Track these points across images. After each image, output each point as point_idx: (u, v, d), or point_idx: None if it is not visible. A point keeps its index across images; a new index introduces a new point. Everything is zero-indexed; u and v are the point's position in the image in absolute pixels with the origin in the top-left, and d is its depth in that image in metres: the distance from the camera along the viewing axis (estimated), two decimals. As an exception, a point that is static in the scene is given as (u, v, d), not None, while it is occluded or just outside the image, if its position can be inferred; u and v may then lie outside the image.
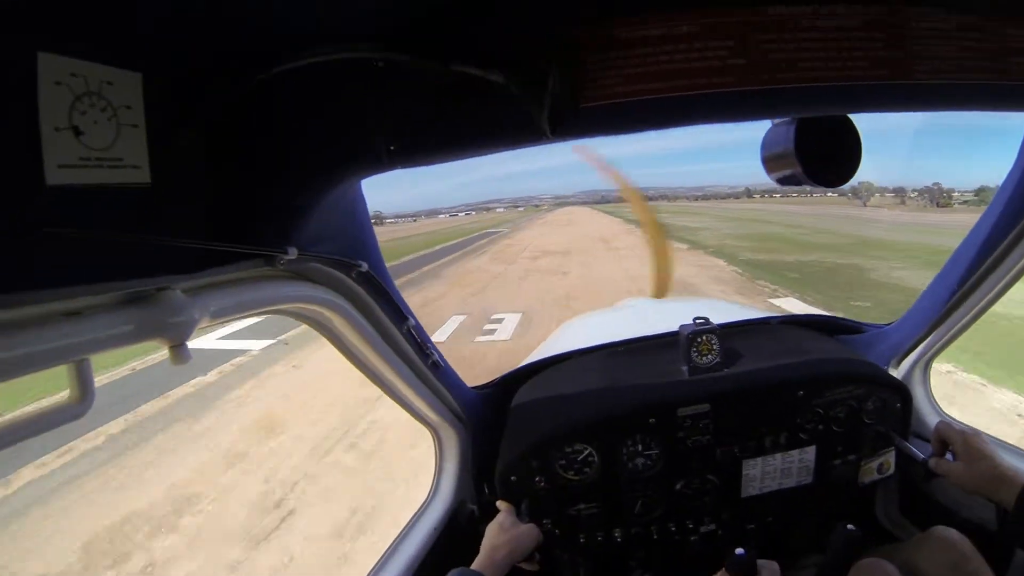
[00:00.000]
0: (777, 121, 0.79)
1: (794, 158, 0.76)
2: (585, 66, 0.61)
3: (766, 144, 0.82)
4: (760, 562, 1.02)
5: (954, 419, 1.57)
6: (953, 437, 1.18)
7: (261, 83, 0.57)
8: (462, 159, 0.70)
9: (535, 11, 0.60)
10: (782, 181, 0.83)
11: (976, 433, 1.17)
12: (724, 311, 2.58)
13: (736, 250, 18.73)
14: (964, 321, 1.37)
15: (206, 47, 0.53)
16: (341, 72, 0.61)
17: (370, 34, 0.56)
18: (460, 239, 35.75)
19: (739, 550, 0.99)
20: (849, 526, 0.96)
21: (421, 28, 0.57)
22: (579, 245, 24.39)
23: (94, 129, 0.45)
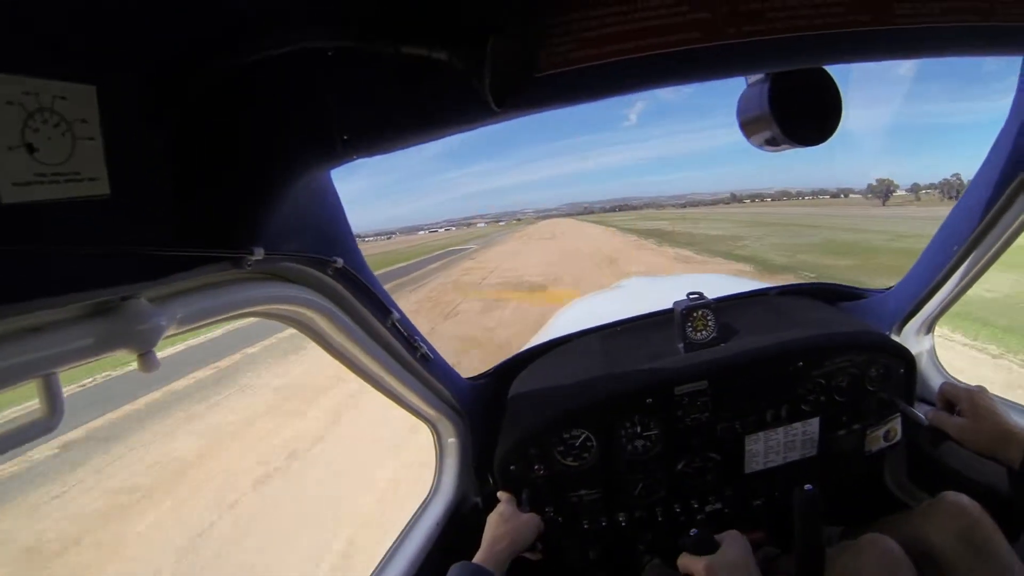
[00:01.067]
0: (751, 80, 0.76)
1: (770, 118, 0.72)
2: (538, 32, 0.58)
3: (741, 107, 0.78)
4: (720, 535, 1.02)
5: (959, 382, 1.53)
6: (959, 395, 1.16)
7: (218, 81, 0.55)
8: (416, 144, 0.68)
9: None
10: (762, 145, 0.79)
11: (982, 390, 1.15)
12: (723, 285, 2.55)
13: (833, 270, 14.30)
14: (965, 281, 1.35)
15: (157, 49, 0.51)
16: (293, 63, 0.59)
17: (319, 19, 0.55)
18: (413, 260, 31.67)
19: (692, 530, 1.00)
20: (807, 486, 0.95)
21: (368, 8, 0.55)
22: (570, 268, 18.69)
23: (48, 145, 0.44)
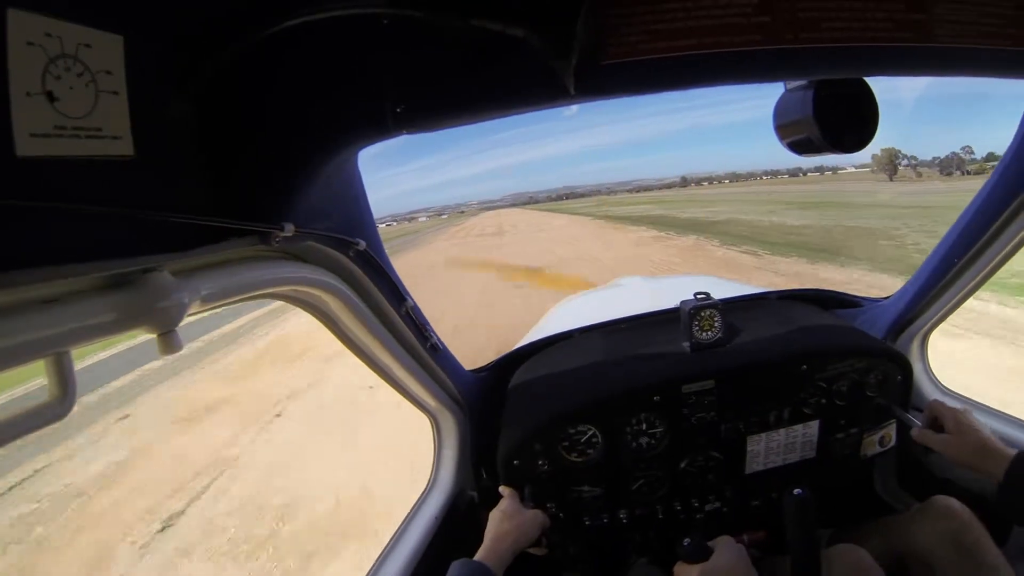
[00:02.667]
0: (791, 87, 0.78)
1: (812, 123, 0.75)
2: (611, 21, 0.58)
3: (780, 110, 0.80)
4: (712, 542, 1.03)
5: (949, 389, 1.61)
6: (944, 413, 1.20)
7: (256, 45, 0.52)
8: (477, 122, 0.66)
9: None
10: (795, 147, 0.82)
11: (966, 410, 1.19)
12: (721, 287, 2.57)
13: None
14: (961, 295, 1.38)
15: (193, 6, 0.48)
16: (343, 30, 0.56)
17: None
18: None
19: (686, 540, 1.00)
20: (796, 490, 0.96)
21: None
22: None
23: (70, 95, 0.41)
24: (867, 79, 0.75)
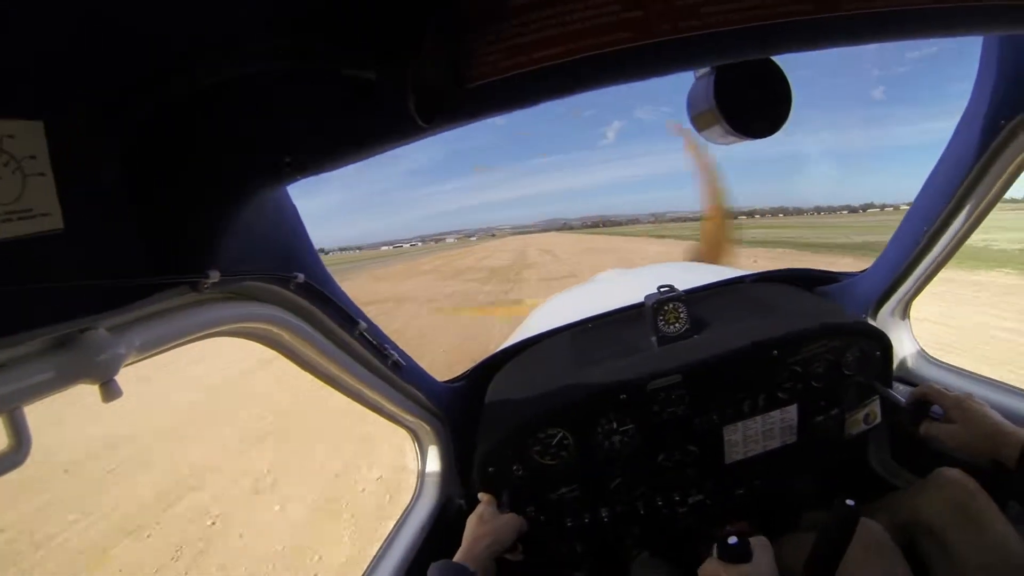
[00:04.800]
0: (698, 75, 0.74)
1: (717, 112, 0.71)
2: (462, 46, 0.57)
3: (690, 102, 0.76)
4: (752, 541, 0.99)
5: (934, 358, 1.58)
6: (946, 402, 1.17)
7: (164, 107, 0.55)
8: (354, 163, 0.67)
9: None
10: (713, 139, 0.77)
11: (969, 395, 1.16)
12: (699, 275, 2.53)
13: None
14: (939, 260, 1.36)
15: (103, 81, 0.51)
16: (240, 88, 0.59)
17: (256, 44, 0.54)
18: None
19: (732, 539, 0.96)
20: (848, 501, 0.91)
21: (303, 30, 0.54)
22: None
23: None
24: (776, 59, 0.70)
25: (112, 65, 0.50)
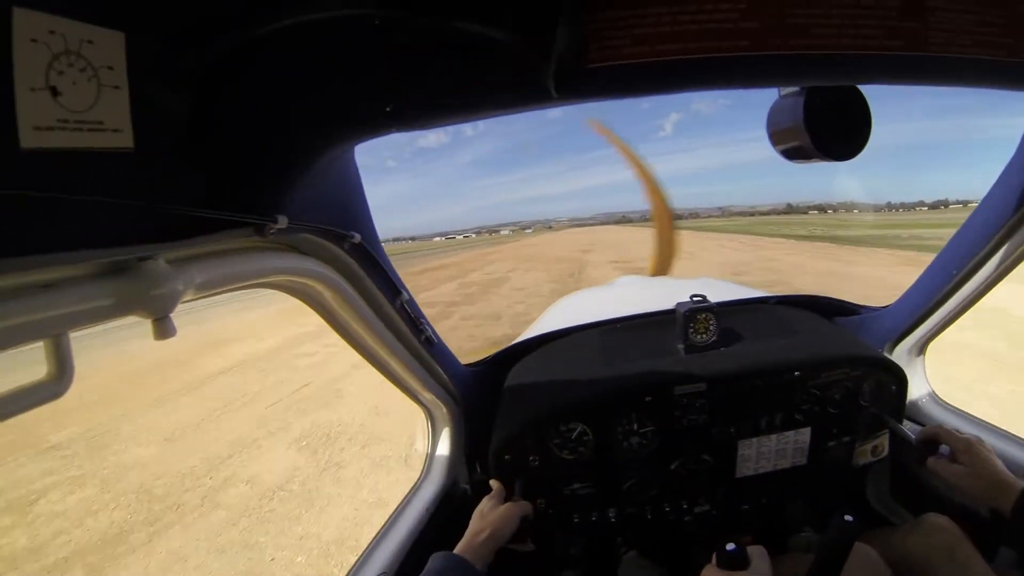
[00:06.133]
0: (784, 92, 0.77)
1: (803, 130, 0.74)
2: (594, 24, 0.58)
3: (772, 117, 0.79)
4: (748, 549, 1.01)
5: (946, 402, 1.59)
6: (957, 444, 1.19)
7: (252, 42, 0.54)
8: (463, 122, 0.67)
9: None
10: (788, 154, 0.80)
11: (979, 440, 1.18)
12: (719, 290, 2.56)
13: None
14: (960, 306, 1.37)
15: (191, 4, 0.50)
16: (335, 29, 0.58)
17: None
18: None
19: (730, 545, 0.98)
20: (847, 517, 0.93)
21: None
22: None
23: (73, 90, 0.42)
24: (860, 87, 0.73)
25: None
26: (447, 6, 0.53)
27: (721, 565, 0.98)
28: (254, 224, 0.65)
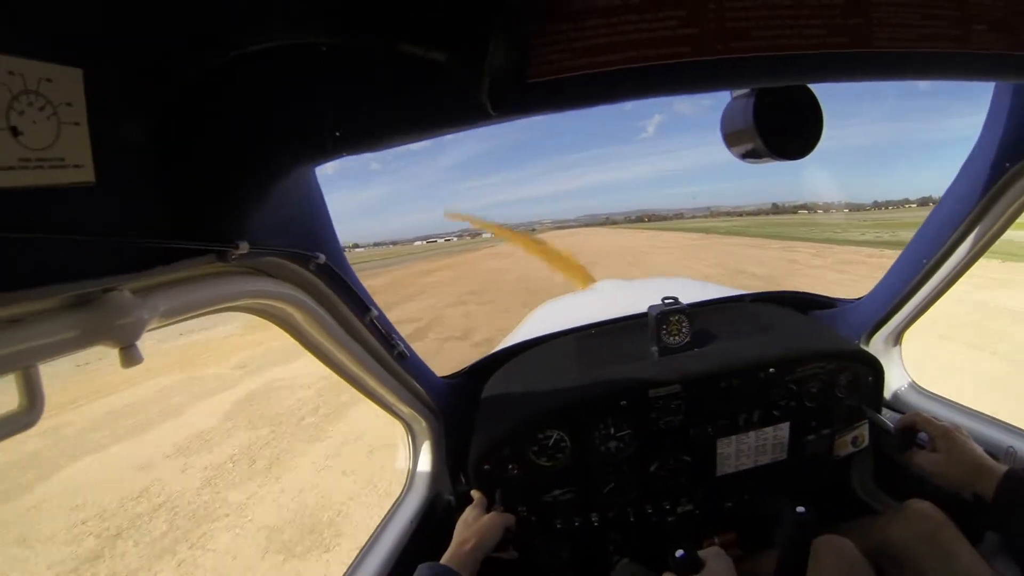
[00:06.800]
0: (736, 94, 0.77)
1: (754, 131, 0.74)
2: (531, 40, 0.59)
3: (725, 119, 0.80)
4: (703, 552, 1.02)
5: (926, 390, 1.61)
6: (934, 432, 1.20)
7: (207, 73, 0.55)
8: (407, 143, 0.68)
9: None
10: (744, 156, 0.81)
11: (957, 428, 1.19)
12: (697, 290, 2.58)
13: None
14: (933, 293, 1.39)
15: (147, 38, 0.50)
16: (286, 58, 0.59)
17: (313, 15, 0.54)
18: None
19: (679, 552, 0.99)
20: (799, 508, 0.93)
21: (363, 6, 0.54)
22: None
23: (33, 129, 0.42)
24: (811, 86, 0.74)
25: (157, 23, 0.49)
26: (388, 31, 0.54)
27: (675, 572, 0.99)
28: (216, 251, 0.66)
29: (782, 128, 0.74)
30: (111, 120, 0.50)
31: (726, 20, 0.60)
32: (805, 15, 0.61)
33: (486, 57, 0.54)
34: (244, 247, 0.68)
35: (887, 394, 1.62)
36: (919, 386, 1.64)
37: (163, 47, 0.51)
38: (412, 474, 1.52)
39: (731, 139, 0.80)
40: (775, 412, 1.43)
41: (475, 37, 0.53)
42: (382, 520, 1.39)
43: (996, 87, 1.01)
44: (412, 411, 1.40)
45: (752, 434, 1.43)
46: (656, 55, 0.60)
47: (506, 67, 0.56)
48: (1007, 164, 1.03)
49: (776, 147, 0.75)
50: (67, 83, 0.45)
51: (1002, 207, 1.11)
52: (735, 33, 0.61)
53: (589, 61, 0.59)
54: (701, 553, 1.02)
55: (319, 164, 0.73)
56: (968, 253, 1.23)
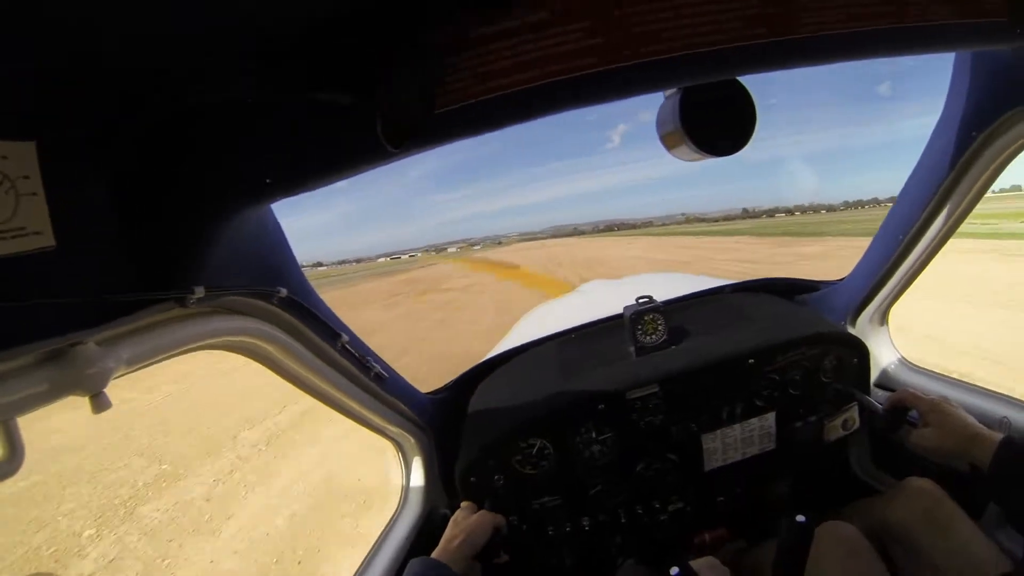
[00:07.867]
0: (667, 95, 0.77)
1: (681, 131, 0.74)
2: (434, 73, 0.60)
3: (658, 122, 0.79)
4: (698, 563, 1.02)
5: (917, 366, 1.59)
6: (921, 406, 1.19)
7: (151, 129, 0.58)
8: (331, 184, 0.70)
9: (379, 24, 0.58)
10: (682, 157, 0.80)
11: (943, 399, 1.18)
12: (681, 285, 2.56)
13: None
14: (914, 268, 1.38)
15: (91, 106, 0.53)
16: (218, 113, 0.62)
17: (231, 76, 0.56)
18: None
19: (674, 570, 0.97)
20: (799, 517, 0.91)
21: (283, 59, 0.56)
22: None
23: None
24: (742, 79, 0.72)
25: (101, 89, 0.51)
26: (302, 83, 0.57)
27: None
28: (173, 298, 0.68)
29: (711, 125, 0.74)
30: (67, 185, 0.52)
31: (633, 26, 0.60)
32: (717, 11, 0.61)
33: (389, 96, 0.56)
34: (200, 291, 0.70)
35: (878, 372, 1.61)
36: (909, 362, 1.62)
37: (107, 112, 0.54)
38: (405, 491, 1.53)
39: (666, 140, 0.79)
40: (758, 403, 1.42)
41: (370, 80, 0.56)
42: (378, 538, 1.40)
43: (956, 58, 1.00)
44: (400, 430, 1.41)
45: (737, 427, 1.42)
46: (563, 69, 0.61)
47: (406, 103, 0.58)
48: (973, 133, 1.02)
49: (707, 144, 0.74)
50: (22, 157, 0.47)
51: (974, 175, 1.10)
52: (645, 37, 0.61)
53: (496, 84, 0.61)
54: (696, 565, 1.01)
55: (256, 208, 0.75)
56: (944, 225, 1.22)
